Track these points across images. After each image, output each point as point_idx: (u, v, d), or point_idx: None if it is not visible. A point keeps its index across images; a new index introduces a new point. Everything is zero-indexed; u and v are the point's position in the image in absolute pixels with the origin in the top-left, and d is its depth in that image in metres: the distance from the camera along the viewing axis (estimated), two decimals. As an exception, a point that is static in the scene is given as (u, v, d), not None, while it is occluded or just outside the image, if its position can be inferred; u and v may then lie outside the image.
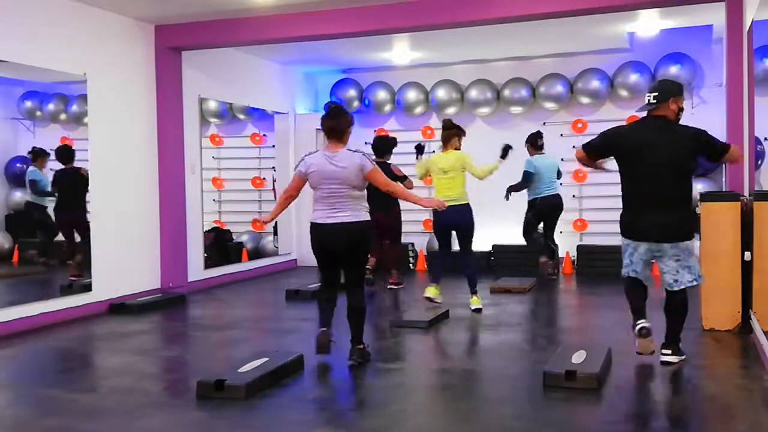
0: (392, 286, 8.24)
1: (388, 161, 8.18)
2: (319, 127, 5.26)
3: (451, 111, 10.33)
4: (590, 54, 9.72)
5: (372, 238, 5.30)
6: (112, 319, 6.91)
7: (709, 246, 5.79)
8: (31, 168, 7.80)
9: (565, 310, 7.45)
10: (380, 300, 7.81)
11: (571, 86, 9.79)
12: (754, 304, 5.46)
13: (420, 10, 7.14)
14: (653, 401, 4.32)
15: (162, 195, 8.09)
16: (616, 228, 4.98)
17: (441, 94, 10.26)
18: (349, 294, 5.07)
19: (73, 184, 7.17)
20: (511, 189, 8.61)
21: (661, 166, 4.64)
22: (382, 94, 10.59)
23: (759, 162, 8.28)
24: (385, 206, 7.60)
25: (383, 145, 8.21)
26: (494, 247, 9.80)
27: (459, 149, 7.00)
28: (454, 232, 7.16)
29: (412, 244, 10.07)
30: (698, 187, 8.73)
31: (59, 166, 7.73)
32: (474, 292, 6.93)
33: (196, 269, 8.63)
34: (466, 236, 7.04)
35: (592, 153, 4.98)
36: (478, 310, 6.87)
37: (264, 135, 10.87)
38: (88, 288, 7.13)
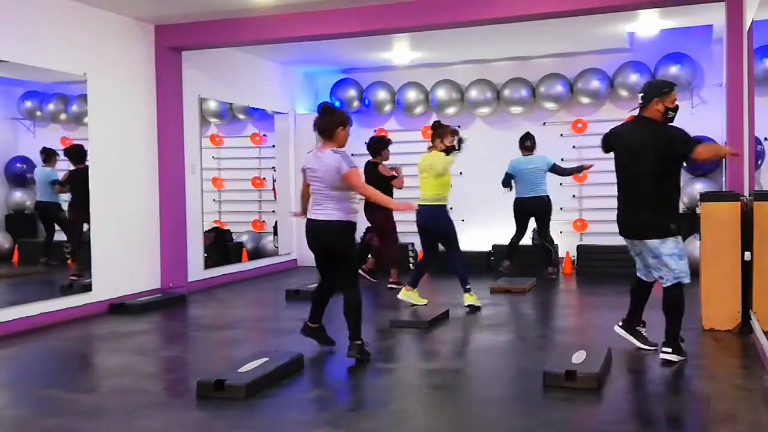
0: (392, 286, 8.25)
1: (384, 161, 8.33)
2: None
3: (451, 111, 10.34)
4: (590, 54, 9.72)
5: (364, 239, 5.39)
6: (112, 319, 6.91)
7: (709, 246, 5.79)
8: (44, 168, 7.81)
9: (565, 310, 7.45)
10: (380, 299, 7.80)
11: (571, 86, 9.79)
12: (754, 304, 5.46)
13: (420, 10, 7.14)
14: (653, 401, 4.31)
15: (162, 195, 8.09)
16: (616, 228, 5.11)
17: (441, 94, 10.26)
18: (341, 290, 5.20)
19: (84, 183, 7.21)
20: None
21: (636, 165, 4.82)
22: (382, 94, 10.60)
23: (759, 162, 8.29)
24: (371, 206, 8.05)
25: (374, 145, 8.42)
26: (494, 247, 9.80)
27: (443, 150, 7.00)
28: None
29: (412, 244, 10.07)
30: (698, 187, 8.75)
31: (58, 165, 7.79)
32: (466, 290, 6.95)
33: (196, 269, 8.63)
34: (440, 237, 7.12)
35: (604, 150, 5.21)
36: (472, 308, 6.89)
37: (264, 135, 10.87)
38: (88, 288, 7.13)
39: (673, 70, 9.17)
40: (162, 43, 8.00)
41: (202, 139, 9.09)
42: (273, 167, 10.69)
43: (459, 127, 10.40)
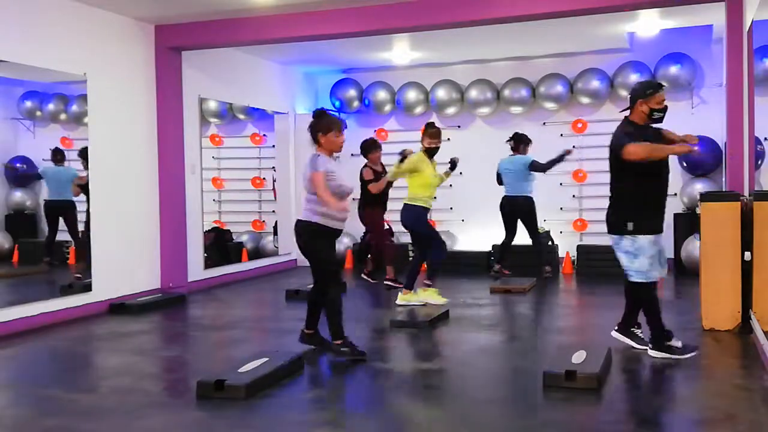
0: (388, 283, 8.27)
1: (373, 164, 8.44)
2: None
3: (451, 111, 10.34)
4: (590, 54, 9.72)
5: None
6: (112, 319, 6.91)
7: (709, 246, 5.79)
8: (58, 167, 7.82)
9: (564, 310, 7.44)
10: (380, 300, 7.80)
11: (571, 86, 9.79)
12: (754, 304, 5.46)
13: (420, 10, 7.14)
14: (653, 401, 4.31)
15: (162, 195, 8.09)
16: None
17: (441, 94, 10.27)
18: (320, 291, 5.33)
19: None
20: None
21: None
22: (382, 94, 10.60)
23: (759, 162, 8.29)
24: (361, 206, 8.49)
25: (363, 148, 8.60)
26: (494, 247, 9.79)
27: (423, 150, 7.14)
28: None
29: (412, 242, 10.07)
30: (698, 187, 8.75)
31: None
32: (426, 285, 7.09)
33: (196, 269, 8.63)
34: (412, 235, 7.26)
35: None
36: (405, 306, 6.99)
37: (264, 135, 10.87)
38: (88, 288, 7.13)
39: (673, 70, 9.18)
40: (162, 43, 7.99)
41: (202, 139, 9.09)
42: (273, 167, 10.69)
43: (459, 127, 10.50)
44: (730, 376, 4.71)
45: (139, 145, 7.85)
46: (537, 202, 8.77)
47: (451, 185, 9.41)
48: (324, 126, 5.17)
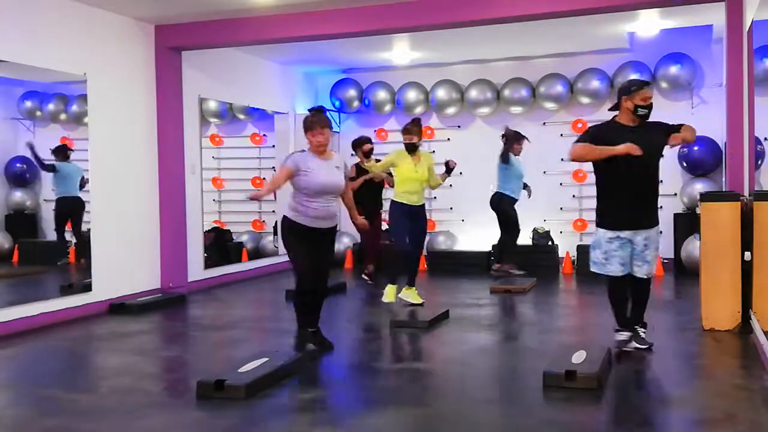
0: (364, 276, 8.65)
1: (359, 161, 8.35)
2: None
3: (451, 111, 10.34)
4: (590, 54, 9.72)
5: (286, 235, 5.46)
6: (112, 319, 6.91)
7: (709, 246, 5.79)
8: (69, 164, 7.81)
9: (564, 310, 7.45)
10: (379, 299, 7.79)
11: (571, 86, 9.80)
12: (754, 304, 5.46)
13: (420, 10, 7.14)
14: (653, 401, 4.31)
15: (162, 195, 8.09)
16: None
17: (441, 94, 10.27)
18: None
19: None
20: None
21: None
22: (382, 94, 10.60)
23: (759, 162, 8.29)
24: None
25: (353, 144, 8.68)
26: (494, 247, 9.79)
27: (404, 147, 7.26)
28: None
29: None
30: (698, 187, 8.75)
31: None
32: (407, 284, 7.13)
33: (196, 269, 8.63)
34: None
35: None
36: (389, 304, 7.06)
37: (264, 135, 10.87)
38: (88, 288, 7.13)
39: (673, 70, 9.18)
40: (162, 43, 7.99)
41: (202, 139, 9.09)
42: (273, 167, 10.67)
43: (459, 127, 10.50)
44: (730, 376, 4.71)
45: (139, 145, 7.85)
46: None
47: (451, 185, 9.40)
48: (305, 125, 5.27)
